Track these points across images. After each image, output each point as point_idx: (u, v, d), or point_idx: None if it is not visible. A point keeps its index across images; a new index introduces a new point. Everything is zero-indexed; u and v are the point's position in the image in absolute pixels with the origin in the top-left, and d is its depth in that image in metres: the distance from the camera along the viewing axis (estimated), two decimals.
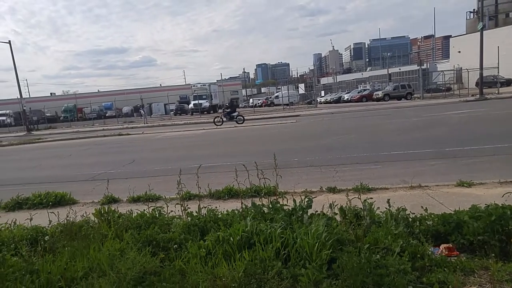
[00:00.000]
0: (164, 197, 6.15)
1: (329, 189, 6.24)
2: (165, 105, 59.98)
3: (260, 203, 4.35)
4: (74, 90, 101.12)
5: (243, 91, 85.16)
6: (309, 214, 4.01)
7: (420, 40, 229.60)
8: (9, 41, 36.02)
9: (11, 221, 5.04)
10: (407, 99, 41.01)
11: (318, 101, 46.36)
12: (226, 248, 3.49)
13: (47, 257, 3.74)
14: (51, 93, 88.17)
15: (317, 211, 4.07)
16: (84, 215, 5.03)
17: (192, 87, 51.22)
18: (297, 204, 4.13)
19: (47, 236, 4.42)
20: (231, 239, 3.55)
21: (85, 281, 3.26)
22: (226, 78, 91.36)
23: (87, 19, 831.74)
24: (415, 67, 55.76)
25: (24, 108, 39.67)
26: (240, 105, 66.06)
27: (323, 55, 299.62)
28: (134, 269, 3.24)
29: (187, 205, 4.78)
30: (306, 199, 4.15)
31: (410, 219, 3.87)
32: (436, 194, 5.66)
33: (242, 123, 25.53)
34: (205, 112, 44.47)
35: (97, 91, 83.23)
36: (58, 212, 4.95)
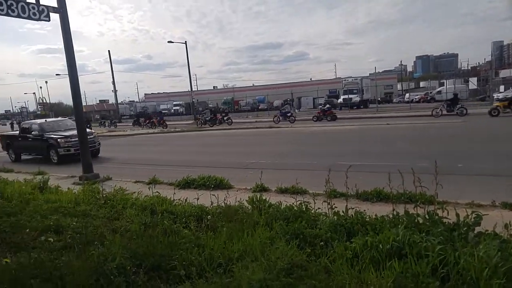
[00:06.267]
0: (310, 192, 6.25)
1: (504, 204, 5.24)
2: (314, 99, 60.78)
3: (414, 212, 4.02)
4: (232, 84, 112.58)
5: (398, 85, 79.35)
6: (475, 232, 3.51)
7: None
8: (185, 41, 42.99)
9: (183, 198, 6.14)
10: None
11: (495, 97, 37.23)
12: (373, 254, 3.35)
13: (209, 233, 4.35)
14: (213, 87, 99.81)
15: (487, 230, 3.49)
16: (239, 200, 5.68)
17: (343, 81, 49.61)
18: (461, 219, 3.65)
19: (210, 216, 5.13)
20: (380, 246, 3.40)
21: (241, 262, 3.55)
22: (380, 71, 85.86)
23: (247, 16, 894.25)
24: None
25: (193, 100, 45.90)
26: (394, 100, 62.29)
27: (505, 43, 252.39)
28: (283, 260, 3.41)
29: (333, 204, 4.78)
30: (474, 215, 3.62)
31: None
32: None
33: (293, 122, 27.80)
34: (355, 107, 42.84)
35: (252, 85, 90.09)
36: (217, 194, 5.81)
